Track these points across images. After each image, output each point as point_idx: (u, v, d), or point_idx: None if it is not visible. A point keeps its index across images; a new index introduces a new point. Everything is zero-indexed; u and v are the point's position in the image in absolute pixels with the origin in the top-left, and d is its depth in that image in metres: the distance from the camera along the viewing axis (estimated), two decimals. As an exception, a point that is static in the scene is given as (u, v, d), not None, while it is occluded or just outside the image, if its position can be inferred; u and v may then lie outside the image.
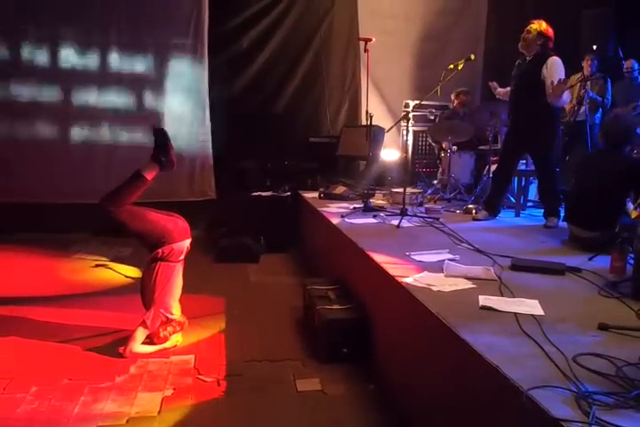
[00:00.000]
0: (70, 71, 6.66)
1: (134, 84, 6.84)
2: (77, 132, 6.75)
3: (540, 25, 4.43)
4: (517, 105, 4.60)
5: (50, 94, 6.62)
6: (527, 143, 4.61)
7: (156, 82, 6.89)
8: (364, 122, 6.31)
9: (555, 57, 4.40)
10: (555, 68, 4.36)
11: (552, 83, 4.32)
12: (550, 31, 4.44)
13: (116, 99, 6.78)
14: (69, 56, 6.62)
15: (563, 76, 4.36)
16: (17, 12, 6.40)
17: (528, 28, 4.47)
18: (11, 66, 6.52)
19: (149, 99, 6.90)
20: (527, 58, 4.53)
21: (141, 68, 6.84)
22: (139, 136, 6.74)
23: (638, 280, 2.59)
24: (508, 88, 4.87)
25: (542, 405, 1.54)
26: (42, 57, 6.57)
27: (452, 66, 4.81)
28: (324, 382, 3.01)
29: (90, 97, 6.70)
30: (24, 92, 6.54)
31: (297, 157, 7.02)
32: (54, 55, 6.61)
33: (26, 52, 6.52)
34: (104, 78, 6.75)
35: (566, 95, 4.43)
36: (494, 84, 5.17)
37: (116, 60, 6.74)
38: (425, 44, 7.81)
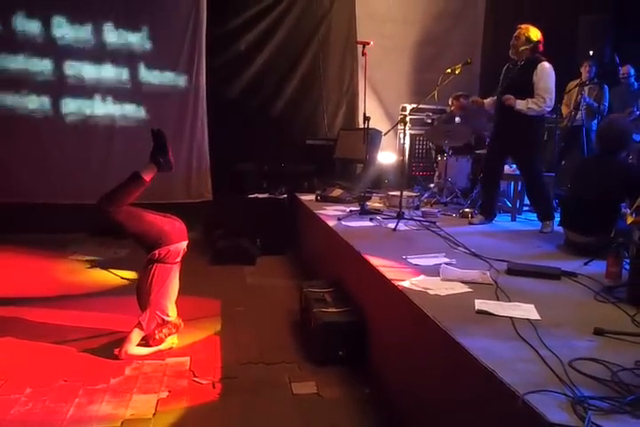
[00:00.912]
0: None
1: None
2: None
3: (527, 30, 4.42)
4: (503, 109, 4.54)
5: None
6: (510, 147, 4.60)
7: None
8: (361, 125, 6.30)
9: (545, 62, 4.37)
10: (544, 73, 4.34)
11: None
12: (539, 35, 4.42)
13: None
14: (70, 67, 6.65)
15: (552, 82, 4.35)
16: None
17: (516, 33, 4.45)
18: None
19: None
20: (518, 63, 4.51)
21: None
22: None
23: (634, 285, 2.60)
24: (490, 99, 4.87)
25: (538, 409, 1.55)
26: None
27: (449, 70, 4.82)
28: (320, 385, 3.01)
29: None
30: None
31: (294, 160, 7.01)
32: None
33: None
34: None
35: (549, 103, 4.38)
36: (477, 99, 5.10)
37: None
38: (422, 48, 7.84)
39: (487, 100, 4.92)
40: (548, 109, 4.44)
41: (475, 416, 1.93)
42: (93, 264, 5.34)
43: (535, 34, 4.42)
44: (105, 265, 5.29)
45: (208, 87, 7.00)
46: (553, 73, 4.38)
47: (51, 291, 4.50)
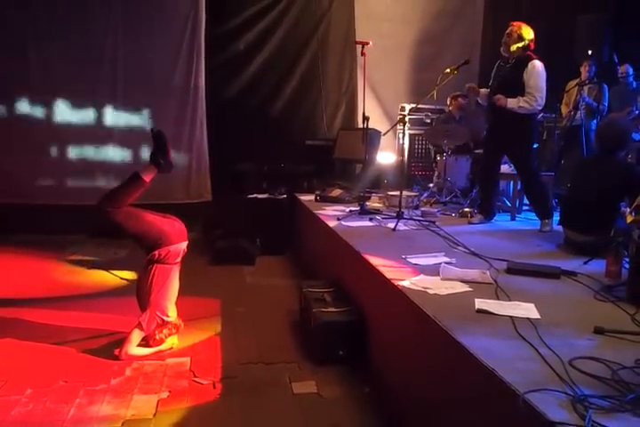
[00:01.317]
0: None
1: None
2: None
3: (519, 27, 4.41)
4: (495, 108, 4.52)
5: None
6: (505, 146, 4.60)
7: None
8: (360, 125, 6.31)
9: (535, 61, 4.36)
10: (534, 71, 4.34)
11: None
12: (531, 33, 4.41)
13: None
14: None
15: (543, 80, 4.34)
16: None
17: (508, 30, 4.45)
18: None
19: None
20: (509, 61, 4.50)
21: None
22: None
23: (633, 284, 2.61)
24: (485, 89, 4.85)
25: (538, 408, 1.55)
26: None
27: (448, 70, 4.82)
28: (320, 384, 3.01)
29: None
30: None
31: (293, 160, 7.01)
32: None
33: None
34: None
35: (540, 101, 4.36)
36: (474, 86, 5.04)
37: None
38: (421, 48, 7.84)
39: (483, 90, 4.90)
40: (539, 108, 4.43)
41: (475, 415, 1.94)
42: (93, 265, 5.34)
43: (527, 32, 4.40)
44: (104, 266, 5.28)
45: (207, 87, 6.99)
46: (544, 71, 4.38)
47: (50, 292, 4.49)
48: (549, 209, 4.52)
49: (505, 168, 5.05)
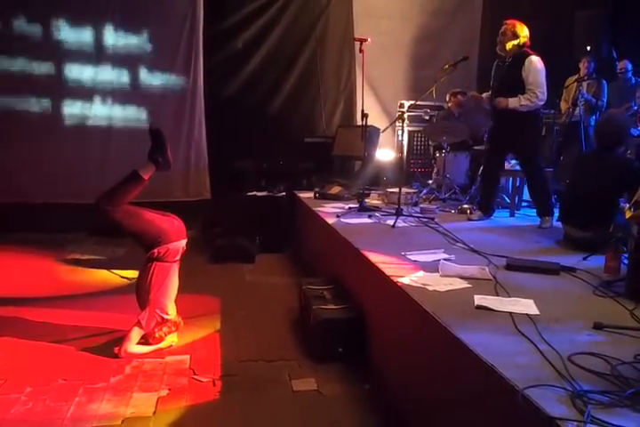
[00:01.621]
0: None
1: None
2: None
3: (513, 25, 4.41)
4: (498, 108, 4.53)
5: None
6: (510, 144, 4.60)
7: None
8: (359, 122, 6.31)
9: (532, 56, 4.36)
10: (532, 67, 4.33)
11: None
12: (525, 30, 4.41)
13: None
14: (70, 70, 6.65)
15: (542, 75, 4.33)
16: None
17: (502, 29, 4.44)
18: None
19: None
20: (507, 60, 4.50)
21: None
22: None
23: (632, 280, 2.60)
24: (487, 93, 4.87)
25: (538, 403, 1.55)
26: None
27: (446, 66, 4.81)
28: (320, 381, 3.01)
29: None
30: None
31: (292, 157, 7.01)
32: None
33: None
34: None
35: (541, 96, 4.36)
36: (476, 95, 5.06)
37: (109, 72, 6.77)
38: (420, 45, 7.83)
39: (485, 95, 4.91)
40: (541, 103, 4.43)
41: (475, 411, 1.94)
42: (92, 263, 5.34)
43: (521, 29, 4.41)
44: (104, 264, 5.29)
45: (206, 85, 6.99)
46: (542, 66, 4.37)
47: (50, 290, 4.49)
48: (551, 206, 4.52)
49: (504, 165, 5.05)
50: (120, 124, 6.86)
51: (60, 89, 6.68)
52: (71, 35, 6.62)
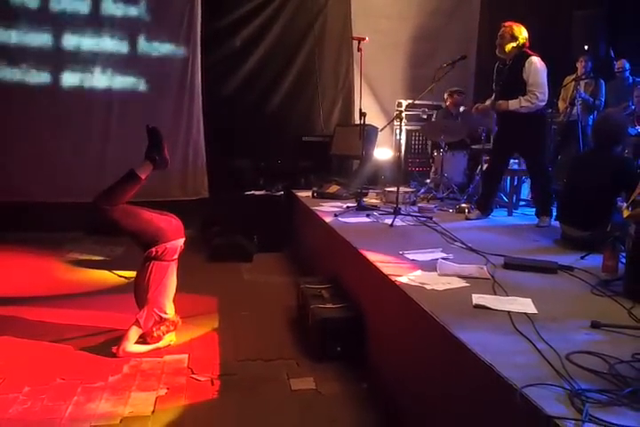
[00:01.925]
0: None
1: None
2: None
3: (511, 27, 4.41)
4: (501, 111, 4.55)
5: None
6: (516, 144, 4.60)
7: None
8: (357, 121, 6.30)
9: (532, 57, 4.36)
10: (532, 68, 4.33)
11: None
12: (524, 32, 4.41)
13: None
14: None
15: (543, 76, 4.34)
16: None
17: (500, 32, 4.44)
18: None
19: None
20: (507, 62, 4.50)
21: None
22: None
23: (630, 279, 2.61)
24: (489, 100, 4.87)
25: (536, 402, 1.55)
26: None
27: (444, 65, 4.81)
28: (318, 380, 3.01)
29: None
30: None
31: (290, 156, 7.01)
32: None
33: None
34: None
35: (541, 97, 4.36)
36: (479, 107, 5.06)
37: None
38: (418, 44, 7.83)
39: (489, 102, 4.89)
40: (542, 104, 4.42)
41: (473, 410, 1.94)
42: (90, 262, 5.33)
43: (520, 31, 4.40)
44: (102, 263, 5.28)
45: (203, 84, 6.97)
46: (543, 66, 4.37)
47: (48, 289, 4.49)
48: (551, 206, 4.53)
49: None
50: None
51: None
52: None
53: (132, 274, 3.71)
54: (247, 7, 7.23)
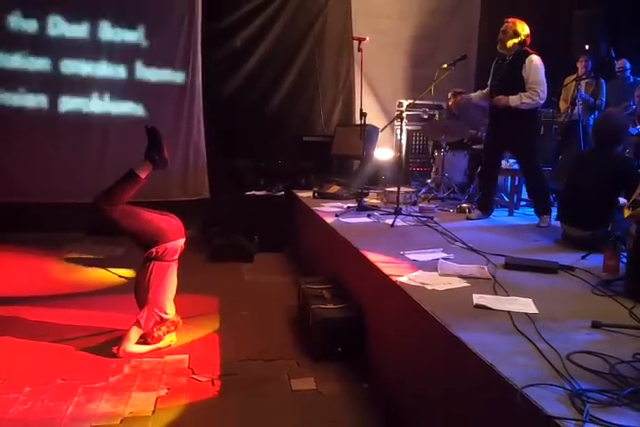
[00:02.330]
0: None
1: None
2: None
3: (514, 24, 4.41)
4: (496, 106, 4.53)
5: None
6: (507, 142, 4.60)
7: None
8: (357, 121, 6.31)
9: (533, 55, 4.37)
10: (532, 66, 4.34)
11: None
12: (526, 28, 4.42)
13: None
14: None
15: (542, 74, 4.35)
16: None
17: (503, 27, 4.45)
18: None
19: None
20: (507, 58, 4.50)
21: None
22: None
23: (631, 278, 2.61)
24: (479, 91, 4.86)
25: (536, 402, 1.55)
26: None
27: (445, 65, 4.81)
28: (319, 381, 3.01)
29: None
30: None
31: (291, 157, 7.01)
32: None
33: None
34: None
35: (542, 95, 4.38)
36: (462, 99, 5.07)
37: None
38: (418, 44, 7.83)
39: (475, 94, 4.90)
40: (542, 102, 4.44)
41: (473, 411, 1.94)
42: (91, 263, 5.33)
43: (522, 27, 4.41)
44: (102, 263, 5.28)
45: (204, 84, 6.97)
46: (542, 65, 4.38)
47: (48, 290, 4.48)
48: (549, 205, 4.53)
49: (502, 164, 5.05)
50: (118, 121, 6.81)
51: (57, 85, 6.64)
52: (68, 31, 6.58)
53: (131, 273, 3.71)
54: (248, 7, 7.23)
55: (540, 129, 5.84)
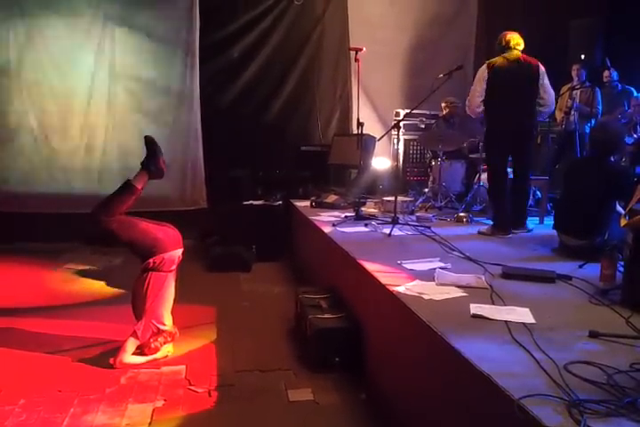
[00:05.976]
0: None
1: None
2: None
3: (518, 36, 4.50)
4: (508, 108, 4.46)
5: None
6: (513, 148, 4.57)
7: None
8: (355, 131, 6.32)
9: (539, 64, 4.45)
10: (543, 72, 4.43)
11: None
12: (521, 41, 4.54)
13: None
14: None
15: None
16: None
17: (517, 42, 4.48)
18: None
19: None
20: (514, 65, 4.47)
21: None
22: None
23: (628, 288, 2.61)
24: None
25: (534, 413, 1.54)
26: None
27: (441, 75, 4.83)
28: (316, 391, 3.00)
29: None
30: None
31: (288, 166, 7.03)
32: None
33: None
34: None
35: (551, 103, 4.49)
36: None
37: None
38: (415, 54, 7.86)
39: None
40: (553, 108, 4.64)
41: (471, 421, 1.93)
42: (88, 273, 5.32)
43: (519, 37, 4.52)
44: (100, 274, 5.27)
45: (202, 94, 7.00)
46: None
47: (45, 300, 4.47)
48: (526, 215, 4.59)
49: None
50: (117, 130, 6.84)
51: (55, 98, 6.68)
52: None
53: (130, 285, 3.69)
54: (245, 18, 7.26)
55: (537, 138, 5.85)
